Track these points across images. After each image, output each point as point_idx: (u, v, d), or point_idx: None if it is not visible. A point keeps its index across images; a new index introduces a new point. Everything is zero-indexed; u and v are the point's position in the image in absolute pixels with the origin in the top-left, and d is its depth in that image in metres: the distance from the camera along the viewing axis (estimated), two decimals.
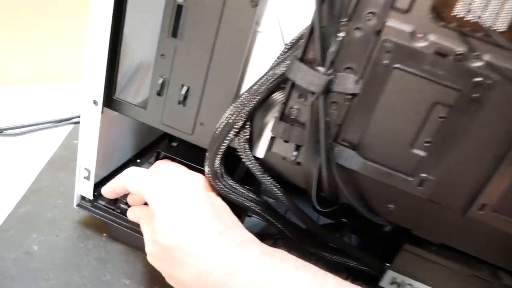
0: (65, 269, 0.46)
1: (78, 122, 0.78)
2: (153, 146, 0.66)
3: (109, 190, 0.46)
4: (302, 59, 0.34)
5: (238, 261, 0.34)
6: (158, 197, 0.39)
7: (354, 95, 0.35)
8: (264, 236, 0.57)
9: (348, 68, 0.34)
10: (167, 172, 0.43)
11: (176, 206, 0.38)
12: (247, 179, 0.44)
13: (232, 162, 0.42)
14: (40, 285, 0.43)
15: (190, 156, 0.51)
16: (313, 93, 0.34)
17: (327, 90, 0.34)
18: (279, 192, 0.40)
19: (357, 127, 0.36)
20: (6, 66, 0.89)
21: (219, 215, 0.39)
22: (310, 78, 0.34)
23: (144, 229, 0.42)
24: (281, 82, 0.37)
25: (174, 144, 0.53)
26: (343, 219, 0.49)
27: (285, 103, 0.36)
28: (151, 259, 0.40)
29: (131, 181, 0.42)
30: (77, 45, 0.98)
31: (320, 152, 0.36)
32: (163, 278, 0.38)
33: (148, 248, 0.40)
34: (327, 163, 0.37)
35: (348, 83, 0.34)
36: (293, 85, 0.35)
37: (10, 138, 0.69)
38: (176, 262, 0.36)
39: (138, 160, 0.62)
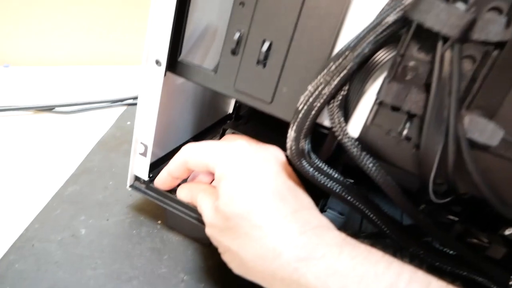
0: (115, 258, 0.39)
1: (132, 104, 0.74)
2: (214, 128, 0.60)
3: (165, 176, 0.40)
4: None
5: (314, 246, 0.28)
6: (228, 161, 0.33)
7: (499, 45, 0.26)
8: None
9: (493, 8, 0.25)
10: (237, 141, 0.36)
11: (248, 173, 0.32)
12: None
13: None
14: (87, 273, 0.37)
15: (261, 134, 0.44)
16: (444, 40, 0.26)
17: (464, 37, 0.26)
18: (380, 175, 0.32)
19: (497, 92, 0.27)
20: (65, 48, 0.88)
21: (294, 193, 0.33)
22: (445, 17, 0.25)
23: (203, 201, 0.35)
24: (390, 36, 0.29)
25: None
26: (451, 217, 0.39)
27: (401, 56, 0.28)
28: (209, 230, 0.34)
29: (193, 153, 0.36)
30: (136, 31, 0.96)
31: (444, 123, 0.28)
32: (228, 277, 0.31)
33: (207, 218, 0.34)
34: (455, 137, 0.28)
35: (493, 28, 0.25)
36: (415, 31, 0.27)
37: (62, 115, 0.65)
38: (239, 234, 0.30)
39: None
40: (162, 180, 0.41)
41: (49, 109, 0.65)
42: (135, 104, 0.75)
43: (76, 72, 0.85)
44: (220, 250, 0.34)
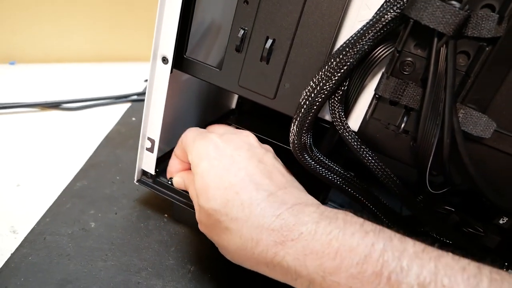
0: (125, 250, 0.41)
1: (136, 100, 0.75)
2: (218, 123, 0.61)
3: (173, 159, 0.42)
4: None
5: (291, 227, 0.28)
6: (199, 153, 0.34)
7: (492, 41, 0.27)
8: None
9: (486, 6, 0.27)
10: (210, 135, 0.37)
11: (217, 164, 0.32)
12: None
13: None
14: (98, 265, 0.38)
15: (264, 129, 0.46)
16: (440, 36, 0.27)
17: (459, 34, 0.27)
18: (379, 168, 0.33)
19: (490, 86, 0.28)
20: (71, 45, 0.90)
21: (269, 174, 0.33)
22: (440, 15, 0.26)
23: (191, 194, 0.37)
24: (388, 32, 0.30)
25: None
26: (448, 207, 0.41)
27: (399, 52, 0.29)
28: (200, 227, 0.35)
29: (183, 139, 0.39)
30: (140, 28, 0.97)
31: (440, 116, 0.29)
32: (233, 266, 0.32)
33: (196, 215, 0.35)
34: (450, 130, 0.29)
35: (486, 24, 0.27)
36: (412, 28, 0.28)
37: (68, 112, 0.66)
38: (221, 229, 0.31)
39: None
40: (172, 164, 0.42)
41: (56, 105, 0.66)
42: (140, 100, 0.76)
43: (81, 69, 0.87)
44: (215, 244, 0.34)
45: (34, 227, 0.41)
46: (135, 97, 0.76)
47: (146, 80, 0.87)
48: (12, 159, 0.51)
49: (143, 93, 0.78)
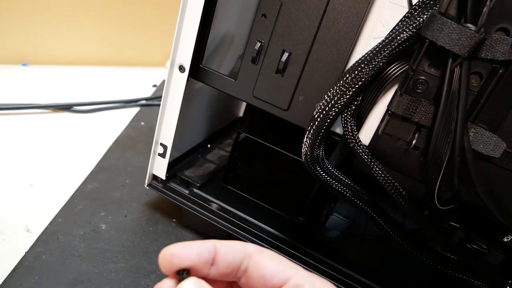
0: (134, 253, 0.41)
1: (145, 105, 0.76)
2: (226, 131, 0.62)
3: None
4: (445, 14, 0.28)
5: None
6: None
7: (505, 63, 0.28)
8: (350, 236, 0.51)
9: (501, 29, 0.28)
10: None
11: None
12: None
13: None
14: (109, 266, 0.39)
15: (274, 138, 0.46)
16: (455, 57, 0.28)
17: (473, 55, 0.28)
18: (389, 181, 0.34)
19: (501, 107, 0.29)
20: (82, 48, 0.91)
21: None
22: (456, 37, 0.27)
23: None
24: (402, 51, 0.31)
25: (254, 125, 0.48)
26: (453, 223, 0.41)
27: (414, 70, 0.30)
28: None
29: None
30: (150, 34, 0.99)
31: (451, 134, 0.30)
32: None
33: None
34: (461, 148, 0.30)
35: (500, 47, 0.27)
36: (427, 48, 0.29)
37: (79, 115, 0.67)
38: None
39: (209, 145, 0.58)
40: None
41: (67, 108, 0.67)
42: (148, 105, 0.77)
43: (91, 72, 0.88)
44: None
45: (47, 226, 0.42)
46: (144, 101, 0.77)
47: (154, 85, 0.89)
48: (25, 159, 0.52)
49: (152, 98, 0.79)
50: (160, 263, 0.20)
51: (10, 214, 0.42)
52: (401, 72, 0.32)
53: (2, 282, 0.34)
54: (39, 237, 0.40)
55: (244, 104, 0.68)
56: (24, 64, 0.82)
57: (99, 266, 0.39)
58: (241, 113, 0.69)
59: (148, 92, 0.84)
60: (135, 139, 0.63)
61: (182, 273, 0.19)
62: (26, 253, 0.38)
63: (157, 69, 0.99)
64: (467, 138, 0.30)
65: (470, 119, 0.30)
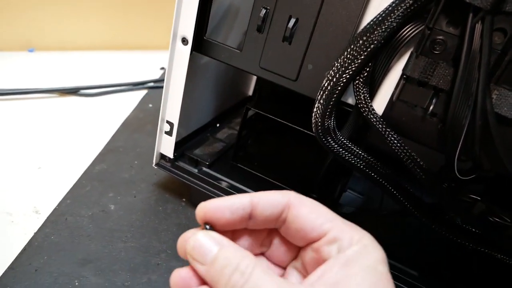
0: (143, 232, 0.41)
1: (153, 87, 0.75)
2: (233, 111, 0.61)
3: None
4: None
5: None
6: None
7: None
8: (364, 212, 0.49)
9: None
10: None
11: None
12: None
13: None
14: (118, 246, 0.38)
15: (283, 114, 0.45)
16: (476, 12, 0.26)
17: (496, 9, 0.26)
18: (405, 152, 0.32)
19: None
20: (89, 33, 0.90)
21: None
22: None
23: None
24: (417, 10, 0.28)
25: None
26: (473, 196, 0.39)
27: (430, 30, 0.28)
28: None
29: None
30: (157, 17, 0.97)
31: (472, 97, 0.28)
32: None
33: None
34: (483, 112, 0.28)
35: None
36: (445, 4, 0.27)
37: (87, 98, 0.67)
38: None
39: (218, 125, 0.56)
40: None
41: (74, 91, 0.66)
42: (156, 87, 0.76)
43: (98, 57, 0.87)
44: None
45: (55, 208, 0.41)
46: (151, 84, 0.76)
47: (162, 68, 0.87)
48: (32, 143, 0.52)
49: (159, 80, 0.78)
50: (196, 216, 0.21)
51: (18, 196, 0.42)
52: (416, 33, 0.30)
53: (12, 262, 0.34)
54: (47, 218, 0.40)
55: (253, 83, 0.66)
56: (31, 50, 0.81)
57: (108, 246, 0.38)
58: (250, 92, 0.67)
59: (156, 75, 0.83)
60: (143, 121, 0.62)
61: (205, 225, 0.20)
62: (35, 234, 0.37)
63: (165, 52, 0.97)
64: (489, 100, 0.28)
65: (493, 79, 0.28)
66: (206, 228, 0.20)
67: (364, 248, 0.20)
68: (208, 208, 0.21)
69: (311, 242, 0.21)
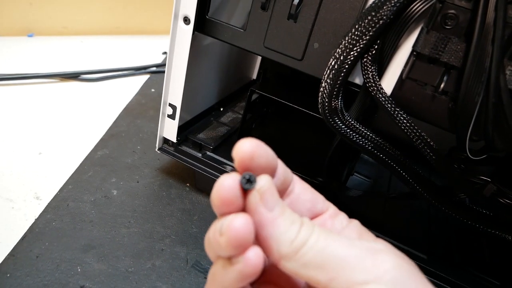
0: (147, 218, 0.40)
1: (155, 72, 0.74)
2: (237, 95, 0.60)
3: None
4: None
5: None
6: None
7: None
8: (372, 195, 0.48)
9: None
10: None
11: None
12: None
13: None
14: (121, 231, 0.38)
15: (288, 96, 0.44)
16: None
17: None
18: (415, 132, 0.31)
19: None
20: (89, 18, 0.89)
21: None
22: None
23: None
24: None
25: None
26: (484, 178, 0.38)
27: (442, 3, 0.27)
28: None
29: None
30: (159, 1, 0.96)
31: (485, 73, 0.27)
32: None
33: None
34: (496, 88, 0.27)
35: None
36: None
37: (87, 83, 0.66)
38: None
39: (222, 109, 0.55)
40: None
41: (75, 76, 0.65)
42: (158, 72, 0.75)
43: (99, 42, 0.86)
44: None
45: (57, 193, 0.41)
46: (154, 68, 0.75)
47: (164, 53, 0.86)
48: (32, 128, 0.51)
49: (162, 65, 0.77)
50: (237, 154, 0.19)
51: (19, 182, 0.41)
52: (426, 9, 0.28)
53: (12, 249, 0.33)
54: (48, 204, 0.39)
55: (257, 66, 0.65)
56: (30, 35, 0.80)
57: (111, 231, 0.37)
58: (254, 75, 0.66)
59: (158, 59, 0.81)
60: (146, 106, 0.62)
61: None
62: (36, 220, 0.37)
63: (167, 37, 0.96)
64: (503, 76, 0.27)
65: (507, 55, 0.27)
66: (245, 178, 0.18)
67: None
68: (260, 151, 0.19)
69: (317, 214, 0.21)
